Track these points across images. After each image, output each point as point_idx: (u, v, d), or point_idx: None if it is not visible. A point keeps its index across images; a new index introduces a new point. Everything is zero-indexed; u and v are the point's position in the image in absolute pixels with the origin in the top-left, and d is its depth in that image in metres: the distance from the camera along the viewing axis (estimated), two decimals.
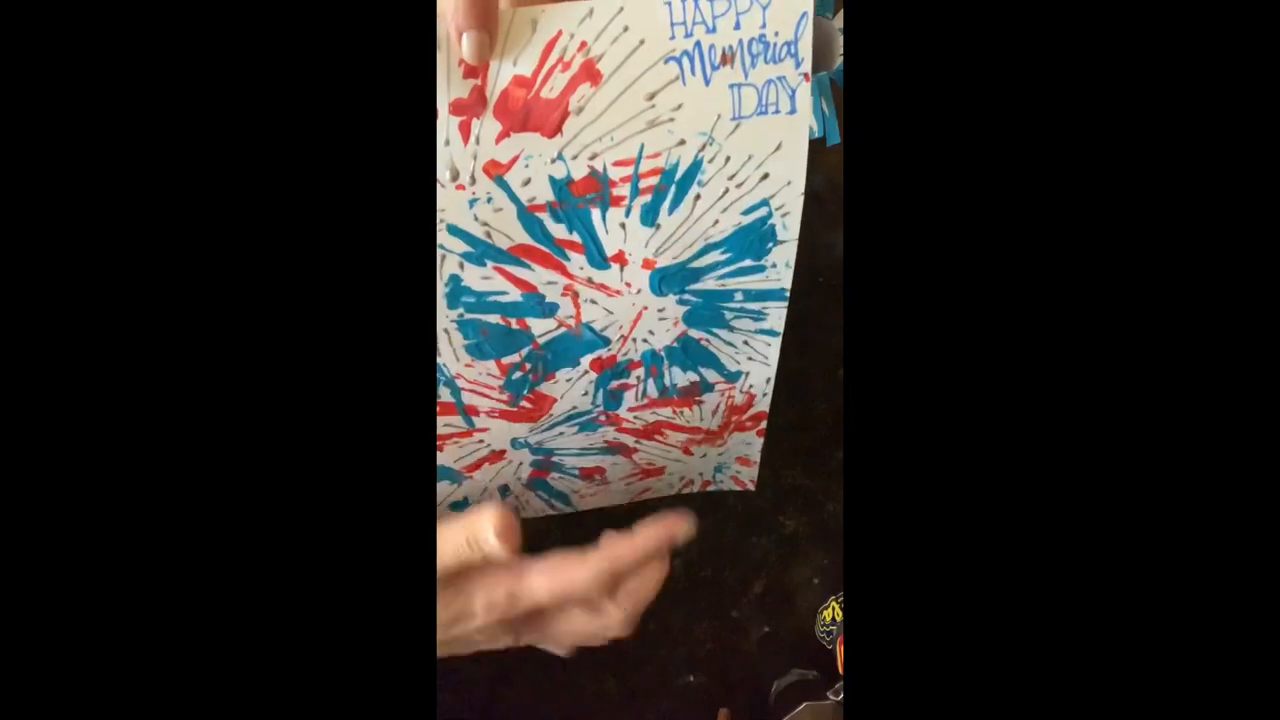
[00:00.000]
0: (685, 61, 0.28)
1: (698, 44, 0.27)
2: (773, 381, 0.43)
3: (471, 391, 0.40)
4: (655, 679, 0.41)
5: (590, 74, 0.28)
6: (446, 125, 0.28)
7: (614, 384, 0.42)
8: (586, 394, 0.42)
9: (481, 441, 0.44)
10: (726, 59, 0.28)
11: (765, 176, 0.32)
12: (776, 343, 0.40)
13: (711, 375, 0.42)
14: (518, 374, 0.40)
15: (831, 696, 0.36)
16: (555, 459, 0.46)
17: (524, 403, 0.42)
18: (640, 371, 0.41)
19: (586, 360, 0.40)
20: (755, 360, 0.41)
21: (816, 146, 0.33)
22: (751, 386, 0.43)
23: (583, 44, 0.27)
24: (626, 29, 0.27)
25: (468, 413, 0.41)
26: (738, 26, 0.27)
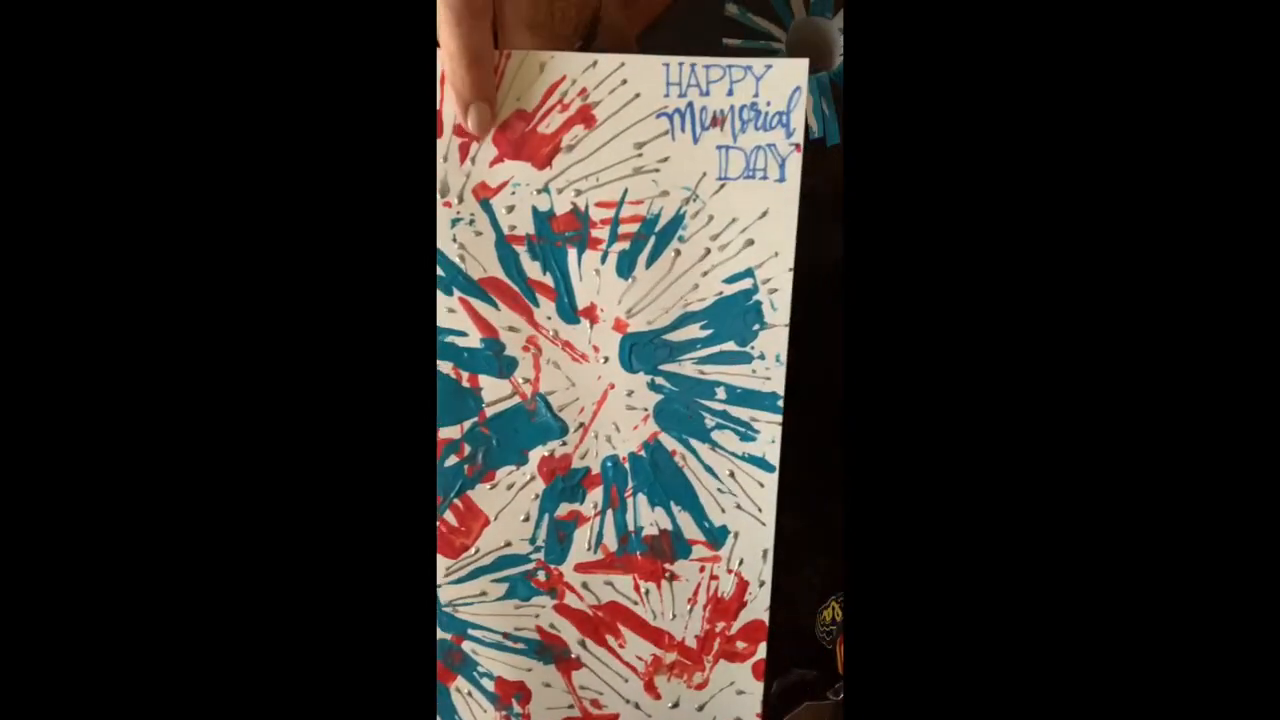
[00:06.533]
0: (676, 118, 0.34)
1: (690, 104, 0.34)
2: (770, 561, 0.36)
3: None
4: None
5: (585, 117, 0.34)
6: (447, 143, 0.34)
7: (564, 510, 0.36)
8: (528, 520, 0.36)
9: None
10: (717, 121, 0.34)
11: (750, 243, 0.34)
12: (772, 485, 0.35)
13: (688, 525, 0.36)
14: (452, 459, 0.36)
15: (831, 696, 0.37)
16: (468, 645, 0.36)
17: (449, 515, 0.36)
18: (598, 495, 0.36)
19: (536, 457, 0.36)
20: (745, 513, 0.35)
21: (816, 146, 0.36)
22: (742, 563, 0.36)
23: (583, 90, 0.34)
24: (625, 82, 0.34)
25: None
26: (730, 93, 0.34)
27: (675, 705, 0.36)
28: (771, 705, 0.38)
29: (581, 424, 0.35)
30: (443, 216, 0.34)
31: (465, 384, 0.35)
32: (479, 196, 0.34)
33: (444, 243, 0.34)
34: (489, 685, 0.36)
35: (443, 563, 0.36)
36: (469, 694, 0.36)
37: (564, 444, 0.35)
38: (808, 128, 0.33)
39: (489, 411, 0.35)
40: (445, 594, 0.36)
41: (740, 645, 0.36)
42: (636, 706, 0.36)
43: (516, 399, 0.35)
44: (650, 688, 0.36)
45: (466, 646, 0.36)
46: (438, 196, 0.34)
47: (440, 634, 0.36)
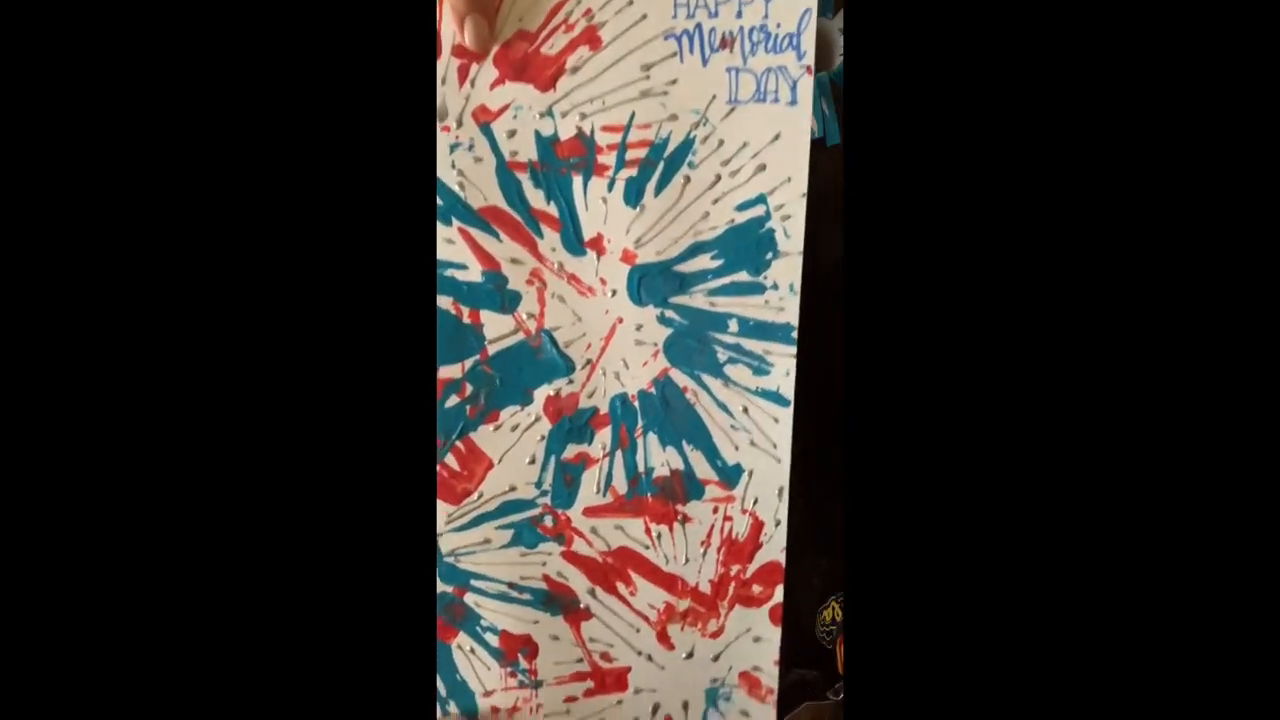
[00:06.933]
0: (685, 40, 0.33)
1: (699, 25, 0.33)
2: (786, 499, 0.35)
3: None
4: None
5: (591, 38, 0.33)
6: (446, 65, 0.33)
7: (571, 451, 0.34)
8: (534, 462, 0.34)
9: None
10: (726, 43, 0.33)
11: (762, 168, 0.33)
12: (787, 420, 0.34)
13: (701, 464, 0.35)
14: (453, 400, 0.34)
15: (831, 696, 0.37)
16: (471, 598, 0.35)
17: (450, 459, 0.34)
18: (607, 436, 0.34)
19: (541, 396, 0.34)
20: (760, 449, 0.34)
21: (816, 146, 0.36)
22: (757, 503, 0.35)
23: (588, 10, 0.33)
24: (631, 2, 0.32)
25: None
26: (739, 15, 0.32)
27: (690, 655, 0.35)
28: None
29: (589, 361, 0.34)
30: (441, 142, 0.32)
31: (466, 320, 0.33)
32: (479, 120, 0.33)
33: (442, 170, 0.33)
34: (493, 641, 0.35)
35: (443, 509, 0.34)
36: (471, 651, 0.35)
37: (570, 382, 0.34)
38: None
39: (491, 349, 0.34)
40: (446, 543, 0.34)
41: (756, 589, 0.35)
42: (649, 659, 0.35)
43: (520, 335, 0.34)
44: (663, 637, 0.35)
45: (469, 599, 0.34)
46: (435, 121, 0.33)
47: (440, 586, 0.34)
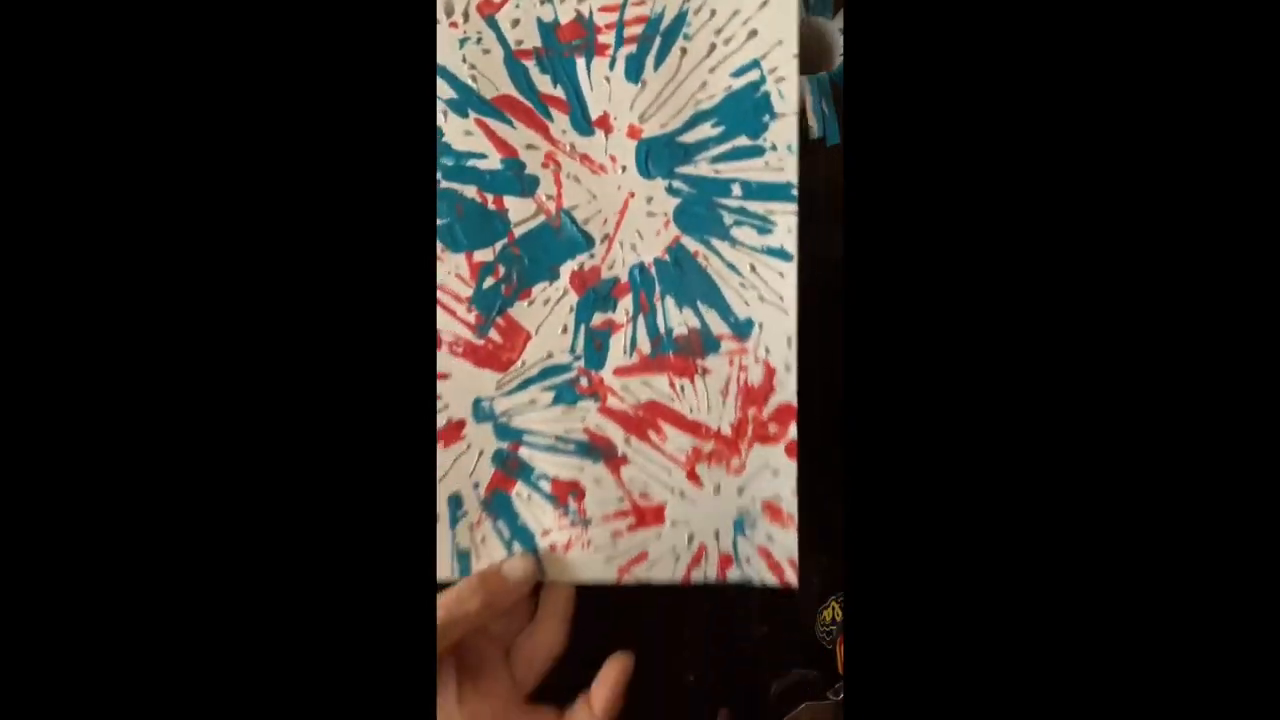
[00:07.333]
0: None
1: None
2: (795, 346, 0.38)
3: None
4: (655, 679, 0.40)
5: None
6: None
7: (598, 319, 0.38)
8: (566, 331, 0.39)
9: (438, 399, 0.40)
10: None
11: (754, 34, 0.35)
12: (791, 274, 0.37)
13: (715, 322, 0.38)
14: (489, 280, 0.38)
15: (831, 696, 0.38)
16: (524, 451, 0.40)
17: (493, 333, 0.39)
18: (628, 303, 0.38)
19: (567, 272, 0.38)
20: (768, 303, 0.38)
21: (816, 147, 0.37)
22: (768, 351, 0.38)
23: None
24: None
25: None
26: None
27: (717, 491, 0.40)
28: (771, 706, 0.39)
29: (606, 235, 0.37)
30: (450, 38, 0.35)
31: (491, 206, 0.37)
32: (483, 13, 0.35)
33: (454, 64, 0.35)
34: (546, 487, 0.40)
35: (494, 378, 0.38)
36: (528, 497, 0.40)
37: (592, 256, 0.37)
38: (808, 127, 0.33)
39: (517, 232, 0.37)
40: (499, 405, 0.39)
41: (772, 429, 0.39)
42: (681, 495, 0.40)
43: (541, 217, 0.37)
44: (693, 476, 0.40)
45: (523, 453, 0.39)
46: (443, 18, 0.35)
47: (497, 443, 0.39)
